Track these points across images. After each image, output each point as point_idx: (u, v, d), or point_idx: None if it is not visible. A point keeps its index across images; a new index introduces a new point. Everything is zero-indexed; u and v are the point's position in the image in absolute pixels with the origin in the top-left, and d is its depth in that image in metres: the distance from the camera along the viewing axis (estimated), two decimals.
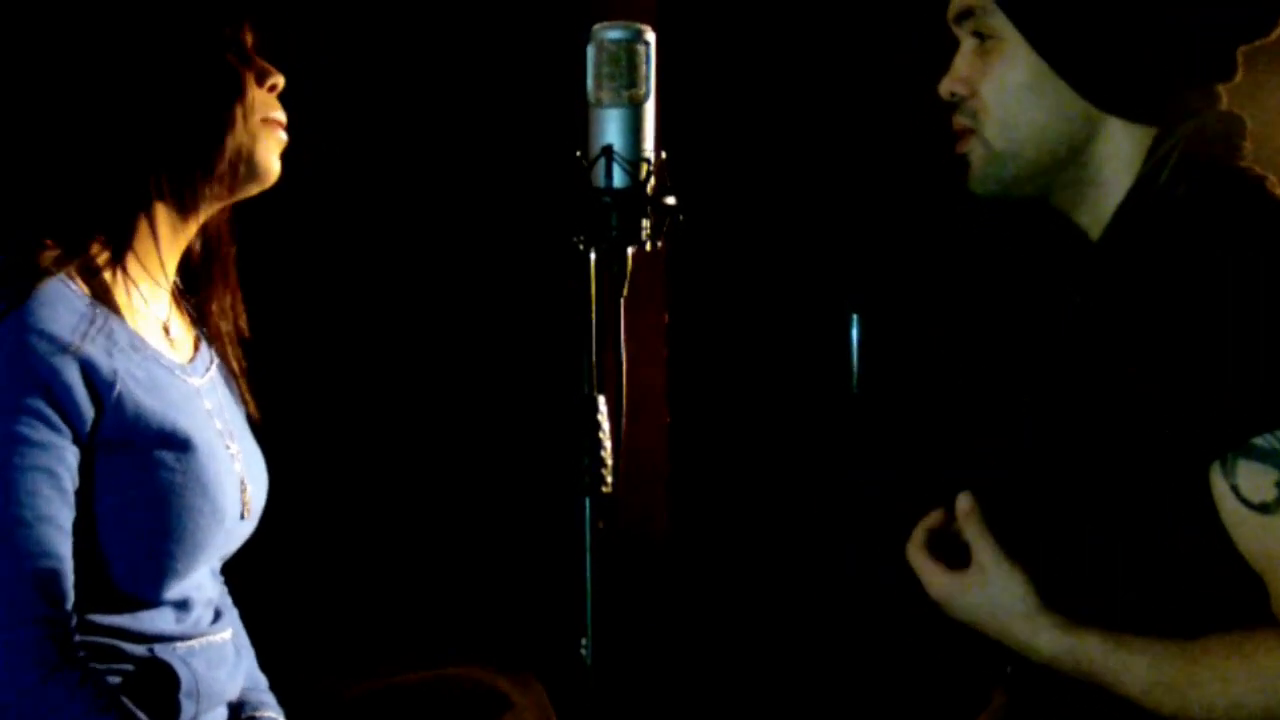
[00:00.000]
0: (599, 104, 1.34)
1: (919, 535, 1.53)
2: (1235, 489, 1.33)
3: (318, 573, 2.57)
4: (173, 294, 1.64)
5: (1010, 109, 1.48)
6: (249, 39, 1.59)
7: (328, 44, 2.49)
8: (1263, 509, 1.32)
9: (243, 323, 1.72)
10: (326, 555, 2.59)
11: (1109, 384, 1.42)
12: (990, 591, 1.45)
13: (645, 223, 1.35)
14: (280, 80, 1.60)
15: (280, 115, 1.60)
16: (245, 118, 1.55)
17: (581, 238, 1.35)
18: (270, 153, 1.59)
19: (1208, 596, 1.40)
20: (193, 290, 1.69)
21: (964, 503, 1.48)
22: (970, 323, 2.39)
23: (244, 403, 1.72)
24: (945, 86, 1.53)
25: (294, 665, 1.80)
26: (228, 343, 1.71)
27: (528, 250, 2.59)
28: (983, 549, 1.46)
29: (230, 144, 1.54)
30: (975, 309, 2.39)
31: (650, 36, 1.34)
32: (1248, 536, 1.34)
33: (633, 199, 1.34)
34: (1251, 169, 1.47)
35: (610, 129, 1.34)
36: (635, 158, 1.34)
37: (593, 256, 1.35)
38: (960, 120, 1.53)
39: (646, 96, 1.34)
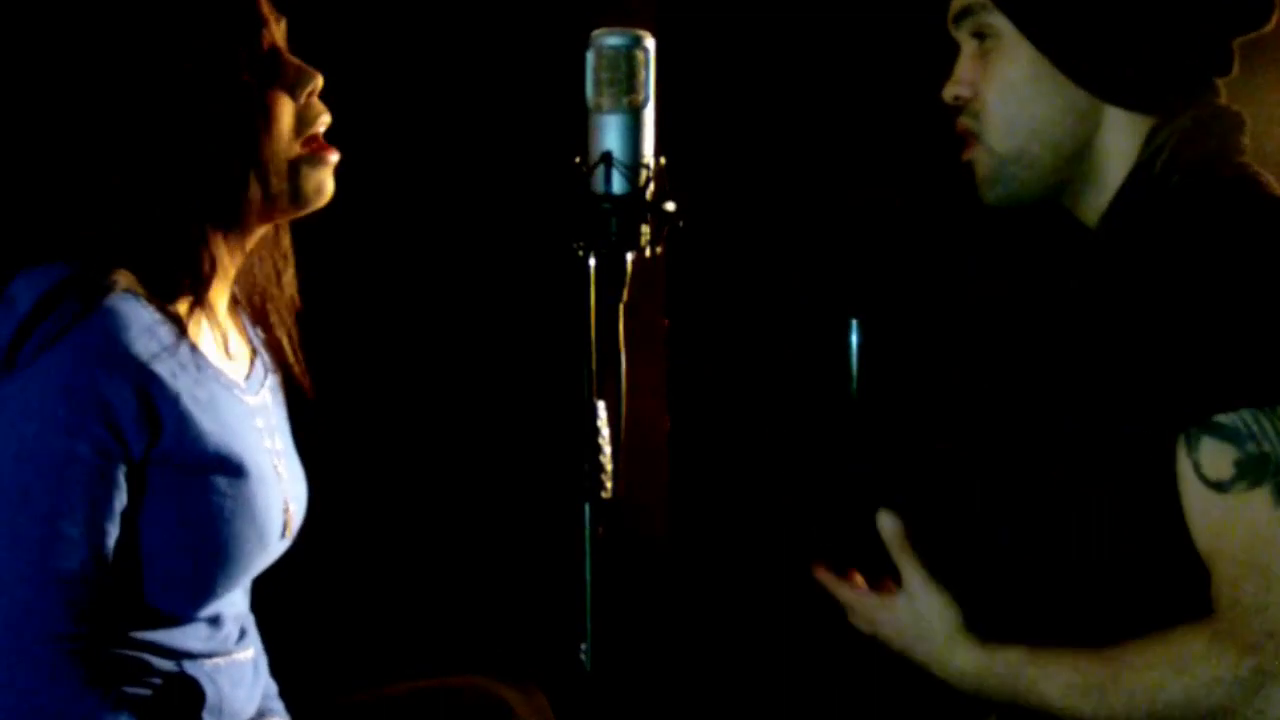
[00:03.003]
0: (598, 110, 1.34)
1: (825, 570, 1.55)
2: (1196, 465, 1.32)
3: (319, 581, 2.57)
4: (230, 304, 1.60)
5: (1011, 107, 1.49)
6: (278, 40, 1.50)
7: (328, 49, 2.49)
8: (1217, 486, 1.31)
9: (293, 326, 1.66)
10: (328, 564, 2.59)
11: (1102, 377, 1.42)
12: (917, 610, 1.47)
13: (644, 228, 1.35)
14: (318, 82, 1.52)
15: (322, 123, 1.53)
16: (278, 142, 1.49)
17: (581, 243, 1.35)
18: (312, 177, 1.52)
19: (1153, 595, 1.39)
20: (248, 296, 1.64)
21: (888, 524, 1.49)
22: (970, 329, 2.39)
23: (289, 417, 1.67)
24: (949, 91, 1.54)
25: (296, 674, 1.80)
26: (287, 350, 1.65)
27: (527, 256, 2.59)
28: (910, 572, 1.48)
29: (264, 172, 1.48)
30: (975, 315, 2.39)
31: (649, 43, 1.33)
32: (1201, 515, 1.33)
33: (632, 205, 1.34)
34: (1247, 165, 1.47)
35: (609, 135, 1.34)
36: (634, 163, 1.34)
37: (592, 262, 1.34)
38: (964, 122, 1.53)
39: (646, 102, 1.34)
